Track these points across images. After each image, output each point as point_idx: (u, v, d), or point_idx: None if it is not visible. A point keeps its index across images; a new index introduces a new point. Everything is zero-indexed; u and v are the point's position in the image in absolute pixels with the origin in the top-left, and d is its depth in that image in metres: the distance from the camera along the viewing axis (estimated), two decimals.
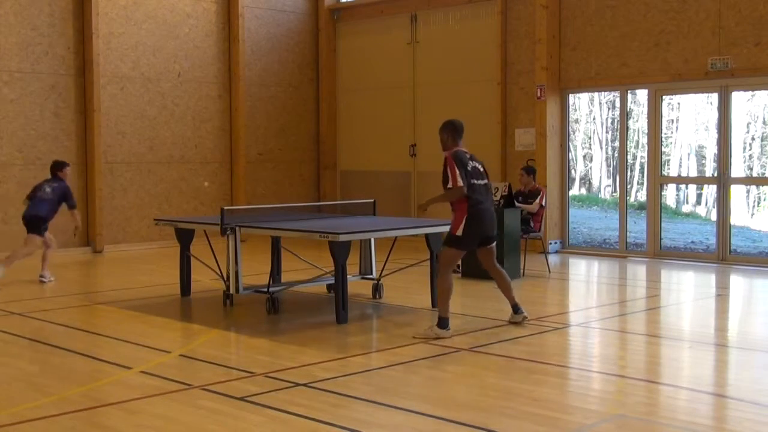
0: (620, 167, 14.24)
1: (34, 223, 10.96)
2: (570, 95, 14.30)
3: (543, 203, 11.36)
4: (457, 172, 7.46)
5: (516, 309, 7.97)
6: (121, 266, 12.70)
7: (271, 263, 9.55)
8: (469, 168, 7.57)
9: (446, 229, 8.93)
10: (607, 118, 23.61)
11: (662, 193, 13.65)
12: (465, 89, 15.04)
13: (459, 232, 7.52)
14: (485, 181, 7.74)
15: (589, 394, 5.83)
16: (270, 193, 16.52)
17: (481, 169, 7.75)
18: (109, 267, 12.68)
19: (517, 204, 11.09)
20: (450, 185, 7.50)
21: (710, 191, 19.45)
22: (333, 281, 8.42)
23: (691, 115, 21.09)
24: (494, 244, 7.87)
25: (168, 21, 15.19)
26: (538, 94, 13.74)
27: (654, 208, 13.05)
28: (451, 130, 7.78)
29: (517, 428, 4.97)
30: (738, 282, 11.11)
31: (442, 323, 7.43)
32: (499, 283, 8.03)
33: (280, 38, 16.69)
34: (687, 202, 21.42)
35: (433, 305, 8.70)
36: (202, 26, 15.64)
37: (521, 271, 10.99)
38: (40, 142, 13.83)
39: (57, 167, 11.29)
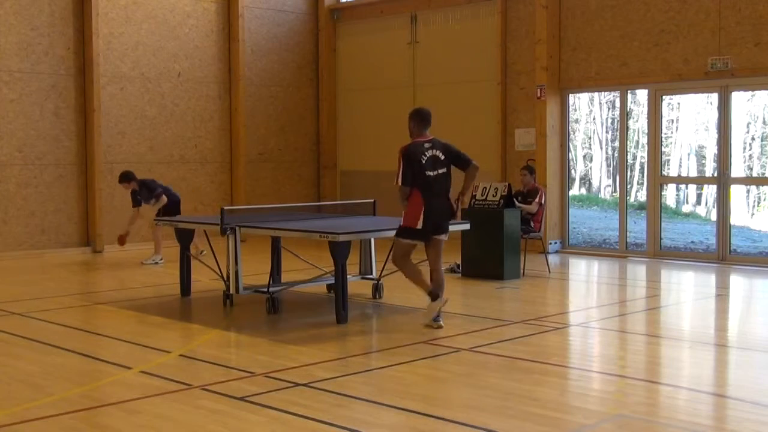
0: (620, 167, 14.23)
1: (178, 206, 12.89)
2: (570, 95, 14.30)
3: (542, 202, 11.36)
4: (401, 170, 7.68)
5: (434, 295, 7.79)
6: (121, 266, 12.69)
7: (271, 263, 9.54)
8: (423, 161, 7.66)
9: None
10: (607, 118, 23.61)
11: (662, 193, 13.65)
12: (465, 89, 15.04)
13: (419, 225, 7.66)
14: (443, 170, 7.73)
15: (589, 394, 5.82)
16: (270, 193, 16.52)
17: (442, 158, 7.75)
18: (109, 267, 12.67)
19: (516, 203, 11.08)
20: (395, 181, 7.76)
21: (710, 191, 19.45)
22: (333, 281, 8.42)
23: (691, 115, 21.09)
24: (444, 235, 7.86)
25: (168, 21, 15.19)
26: (538, 94, 13.74)
27: (654, 208, 13.05)
28: (418, 120, 7.92)
29: (517, 428, 4.96)
30: (738, 282, 11.11)
31: (432, 296, 7.69)
32: (432, 276, 7.89)
33: (280, 38, 16.69)
34: (687, 202, 21.42)
35: None
36: (202, 26, 15.63)
37: (521, 271, 10.99)
38: (40, 142, 13.83)
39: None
